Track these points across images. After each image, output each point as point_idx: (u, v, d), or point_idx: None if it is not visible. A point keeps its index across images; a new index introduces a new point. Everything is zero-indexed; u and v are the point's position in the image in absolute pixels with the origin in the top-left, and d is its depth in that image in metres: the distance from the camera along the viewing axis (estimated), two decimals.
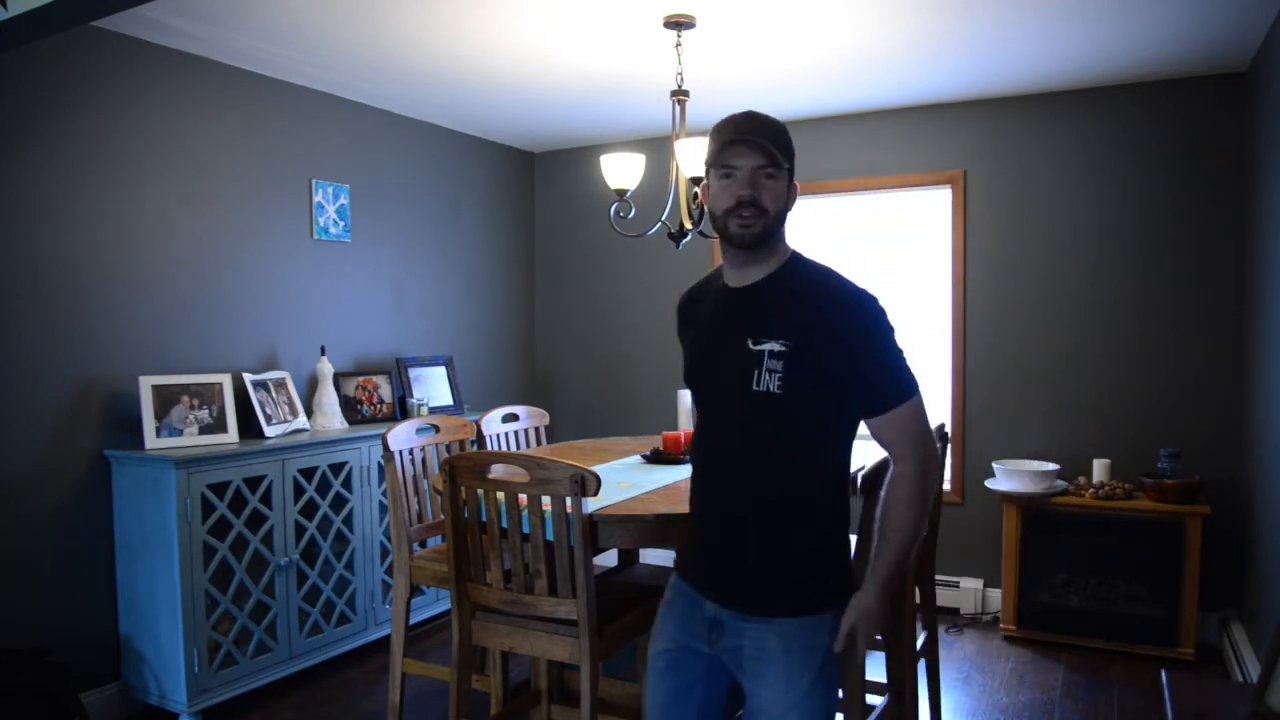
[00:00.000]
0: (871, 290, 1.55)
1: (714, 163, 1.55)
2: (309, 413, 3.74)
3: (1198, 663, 3.58)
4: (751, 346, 1.51)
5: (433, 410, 4.25)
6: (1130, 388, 3.97)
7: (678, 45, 3.13)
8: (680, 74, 3.14)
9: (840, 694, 1.79)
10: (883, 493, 1.59)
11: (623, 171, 3.17)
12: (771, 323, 1.52)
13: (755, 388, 1.50)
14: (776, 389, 1.49)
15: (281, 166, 3.78)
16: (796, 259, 1.60)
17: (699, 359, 1.66)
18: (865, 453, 1.83)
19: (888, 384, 1.53)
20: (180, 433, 3.17)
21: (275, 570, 3.30)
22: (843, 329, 1.50)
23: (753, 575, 1.57)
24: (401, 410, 4.19)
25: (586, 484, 2.13)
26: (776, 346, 1.49)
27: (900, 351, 1.55)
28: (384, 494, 3.73)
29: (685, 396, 3.55)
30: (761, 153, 1.51)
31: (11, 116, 2.88)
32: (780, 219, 1.56)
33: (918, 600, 2.79)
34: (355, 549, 3.65)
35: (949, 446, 3.65)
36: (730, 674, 1.62)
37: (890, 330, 1.53)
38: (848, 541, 1.64)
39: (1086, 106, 4.00)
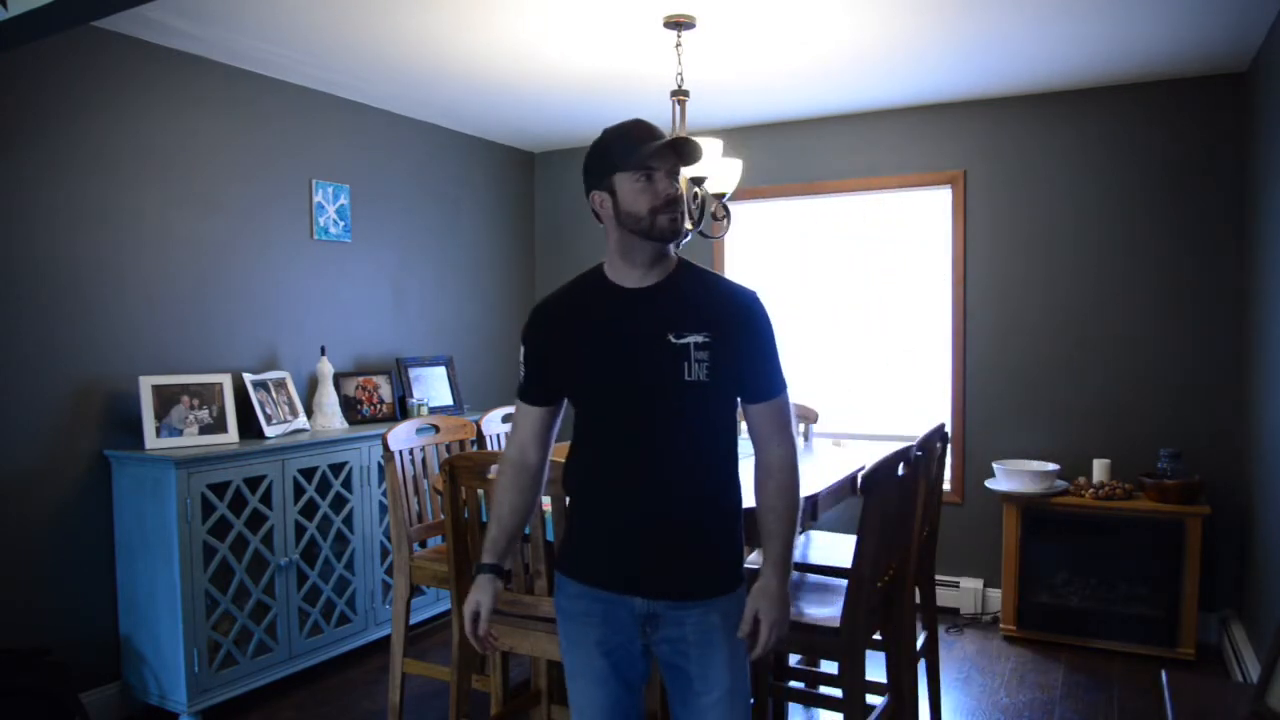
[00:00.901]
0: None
1: (627, 166, 1.60)
2: (309, 413, 3.74)
3: (1198, 663, 3.58)
4: (674, 340, 1.59)
5: (433, 410, 4.25)
6: (1130, 388, 3.97)
7: (678, 45, 3.13)
8: (680, 74, 3.14)
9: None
10: (758, 481, 1.69)
11: None
12: (690, 317, 1.61)
13: (687, 378, 1.59)
14: (705, 377, 1.59)
15: (281, 166, 3.78)
16: (684, 263, 1.71)
17: (604, 359, 1.65)
18: (867, 453, 1.85)
19: (774, 374, 1.68)
20: (180, 433, 3.17)
21: (275, 570, 3.30)
22: (748, 323, 1.64)
23: (697, 562, 1.65)
24: (401, 410, 4.19)
25: None
26: (700, 339, 1.60)
27: (777, 349, 1.71)
28: (384, 494, 3.73)
29: None
30: (675, 155, 1.62)
31: (11, 116, 2.88)
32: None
33: (918, 600, 2.79)
34: (355, 549, 3.65)
35: (949, 446, 3.65)
36: (646, 664, 1.69)
37: (772, 329, 1.70)
38: None
39: (1086, 106, 4.00)
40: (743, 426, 1.76)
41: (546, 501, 2.19)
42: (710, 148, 2.92)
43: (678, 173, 1.64)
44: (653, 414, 1.62)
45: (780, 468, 1.67)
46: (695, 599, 1.63)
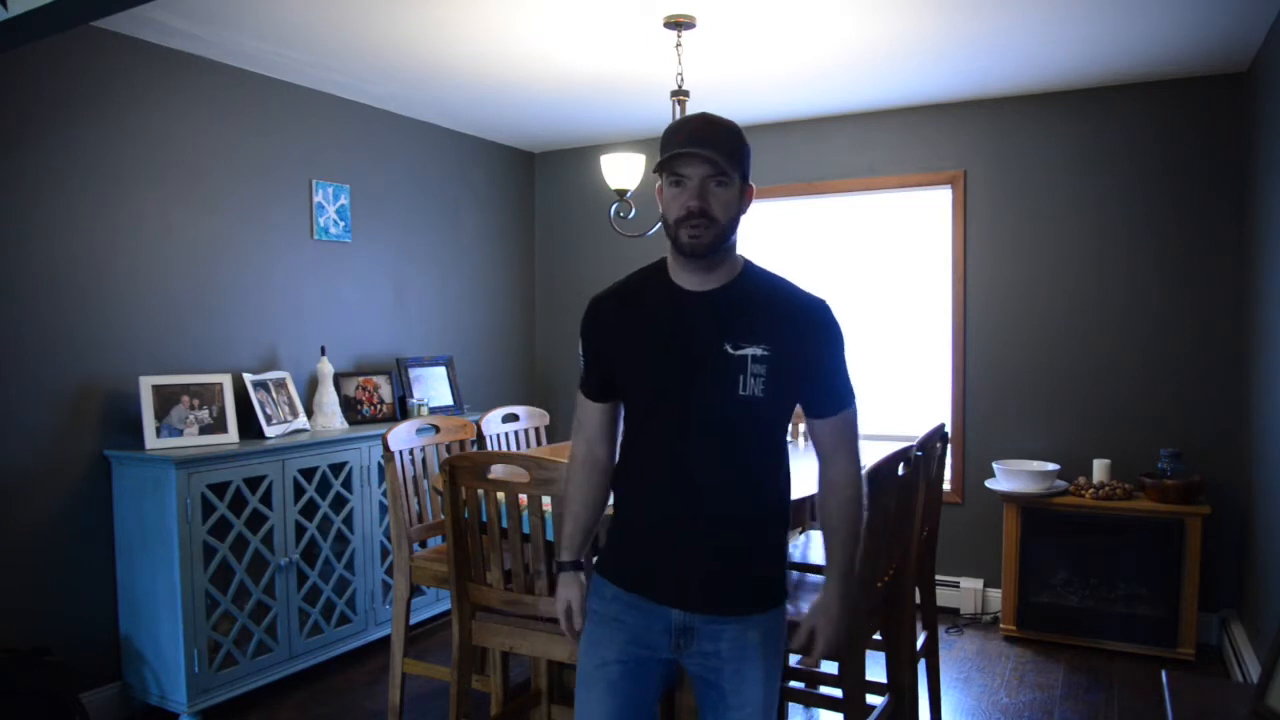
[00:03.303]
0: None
1: (664, 169, 1.52)
2: (309, 413, 3.74)
3: (1198, 663, 3.58)
4: (732, 351, 1.52)
5: (433, 410, 4.25)
6: (1130, 388, 3.97)
7: (678, 45, 3.13)
8: (680, 74, 3.14)
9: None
10: (821, 497, 1.65)
11: (623, 171, 3.17)
12: (750, 328, 1.53)
13: (741, 392, 1.51)
14: (760, 393, 1.52)
15: (281, 166, 3.78)
16: (750, 266, 1.61)
17: (658, 365, 1.58)
18: (867, 453, 1.84)
19: (842, 388, 1.62)
20: (180, 433, 3.17)
21: (275, 570, 3.30)
22: (814, 334, 1.56)
23: (738, 578, 1.59)
24: (401, 410, 4.19)
25: None
26: (759, 351, 1.51)
27: (846, 360, 1.63)
28: (384, 494, 3.73)
29: None
30: (709, 164, 1.48)
31: (12, 117, 2.88)
32: (731, 227, 1.54)
33: (918, 600, 2.79)
34: (355, 549, 3.65)
35: (949, 446, 3.65)
36: (672, 677, 1.68)
37: (842, 339, 1.61)
38: None
39: (1086, 106, 4.00)
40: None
41: (547, 501, 2.19)
42: None
43: (720, 180, 1.49)
44: (703, 425, 1.56)
45: (843, 485, 1.62)
46: (734, 614, 1.58)
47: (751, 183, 1.57)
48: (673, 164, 1.50)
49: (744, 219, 1.59)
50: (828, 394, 1.60)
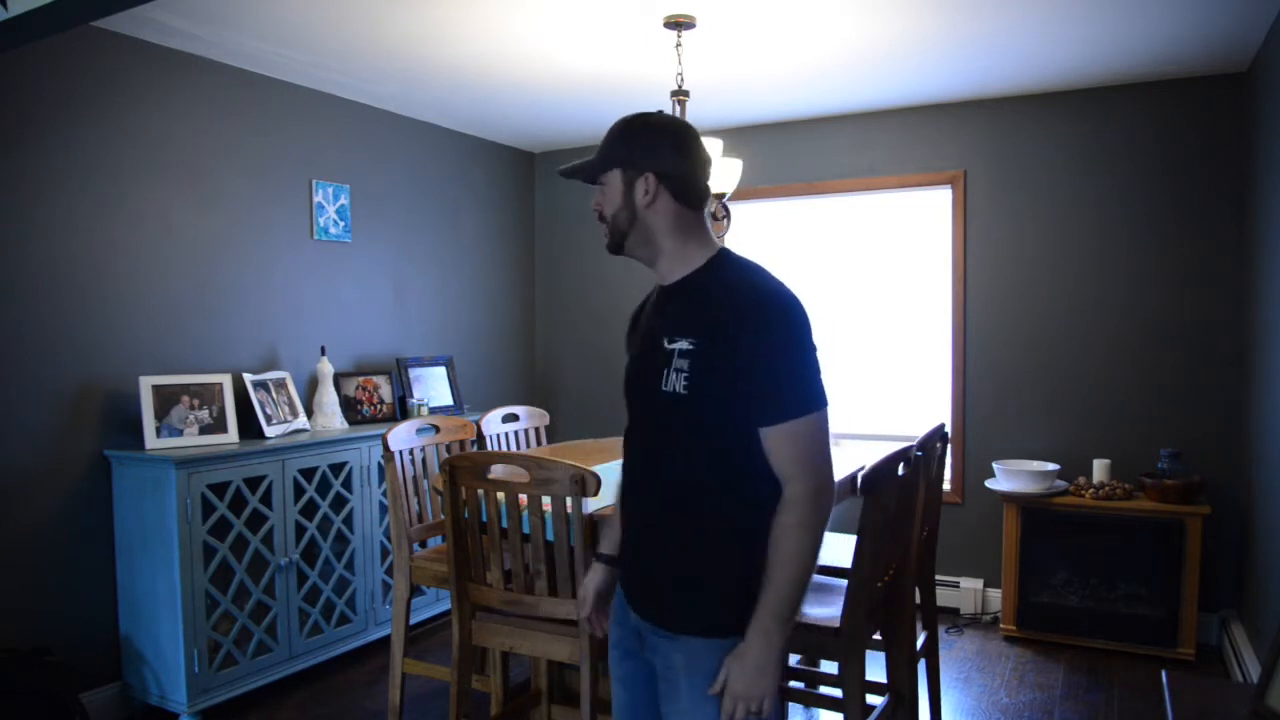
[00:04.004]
0: (792, 294, 1.45)
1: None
2: (309, 413, 3.74)
3: (1198, 663, 3.58)
4: (666, 345, 1.46)
5: (433, 410, 4.25)
6: (1130, 387, 3.97)
7: (678, 45, 3.13)
8: (680, 74, 3.14)
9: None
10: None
11: None
12: (683, 320, 1.45)
13: (664, 388, 1.44)
14: (682, 389, 1.42)
15: (281, 166, 3.78)
16: (723, 256, 1.52)
17: (633, 362, 1.61)
18: (867, 453, 1.82)
19: (779, 394, 1.40)
20: (180, 433, 3.17)
21: (275, 570, 3.30)
22: (743, 329, 1.39)
23: (659, 588, 1.52)
24: (401, 410, 4.19)
25: (586, 484, 2.13)
26: (685, 345, 1.43)
27: (803, 362, 1.42)
28: (384, 494, 3.73)
29: None
30: (581, 175, 1.55)
31: (11, 117, 2.88)
32: (625, 218, 1.52)
33: (918, 600, 2.79)
34: (355, 549, 3.65)
35: (949, 446, 3.64)
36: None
37: (793, 338, 1.41)
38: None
39: (1086, 106, 4.00)
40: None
41: (547, 501, 2.19)
42: (710, 148, 2.91)
43: (597, 185, 1.57)
44: (644, 424, 1.55)
45: (784, 508, 1.40)
46: (664, 629, 1.49)
47: (649, 169, 1.49)
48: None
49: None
50: (764, 399, 1.40)
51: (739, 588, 1.44)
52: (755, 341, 1.39)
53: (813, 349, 1.44)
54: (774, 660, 1.39)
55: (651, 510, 1.53)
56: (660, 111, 1.57)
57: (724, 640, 1.44)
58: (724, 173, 3.18)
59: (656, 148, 1.51)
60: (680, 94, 3.15)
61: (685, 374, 1.42)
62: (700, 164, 1.54)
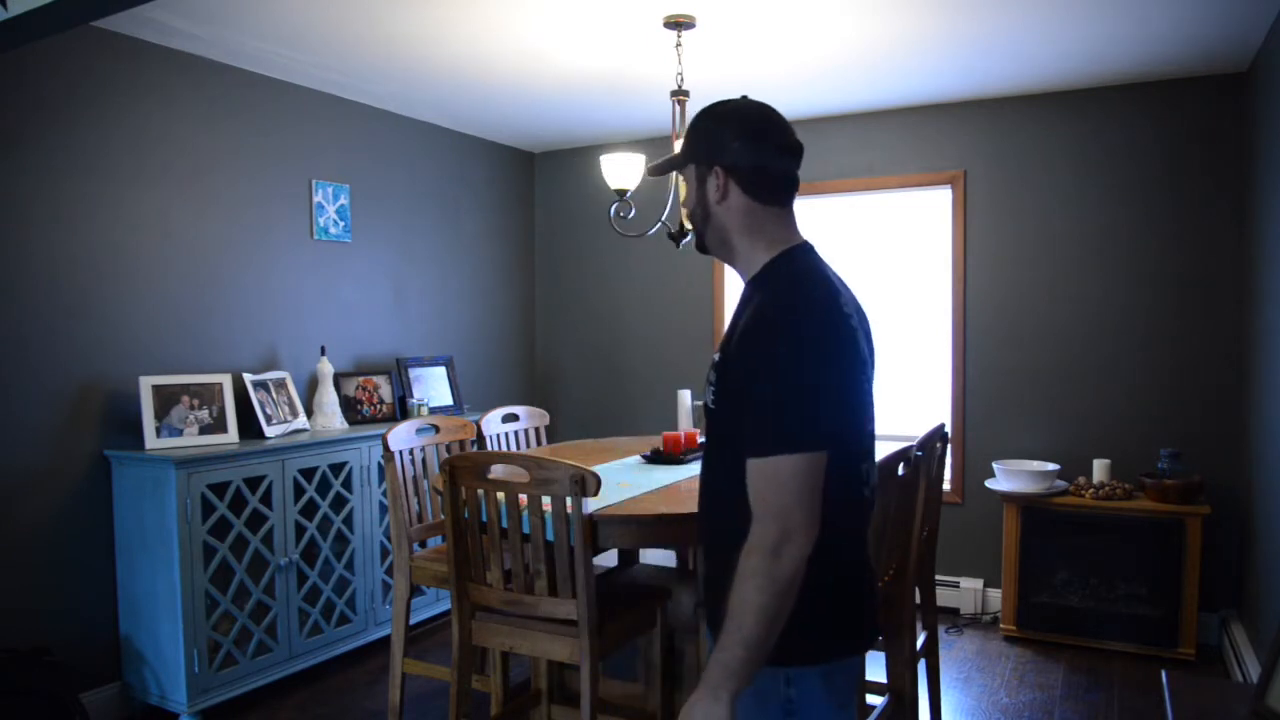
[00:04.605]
0: (810, 319, 1.30)
1: None
2: (309, 413, 3.74)
3: (1198, 663, 3.58)
4: (715, 355, 1.42)
5: (433, 410, 4.25)
6: (1130, 388, 3.97)
7: (678, 45, 3.13)
8: (680, 74, 3.14)
9: None
10: None
11: (623, 171, 3.17)
12: (730, 332, 1.40)
13: (705, 398, 1.43)
14: (712, 403, 1.41)
15: (281, 166, 3.78)
16: (776, 262, 1.42)
17: None
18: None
19: (761, 424, 1.26)
20: (180, 433, 3.17)
21: (275, 570, 3.30)
22: (744, 347, 1.31)
23: (710, 603, 1.46)
24: (401, 410, 4.19)
25: (586, 484, 2.13)
26: (716, 357, 1.40)
27: (797, 395, 1.25)
28: (384, 494, 3.73)
29: (685, 396, 3.54)
30: (671, 168, 1.52)
31: (11, 116, 2.88)
32: (701, 216, 1.45)
33: (918, 600, 2.79)
34: (355, 549, 3.65)
35: (949, 446, 3.65)
36: None
37: (792, 365, 1.25)
38: (826, 585, 1.35)
39: (1086, 106, 4.00)
40: None
41: (547, 501, 2.19)
42: None
43: (689, 180, 1.47)
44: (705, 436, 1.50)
45: (745, 552, 1.25)
46: (715, 637, 1.47)
47: (719, 163, 1.41)
48: None
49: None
50: (751, 426, 1.28)
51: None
52: (751, 363, 1.29)
53: (819, 383, 1.27)
54: (717, 714, 1.24)
55: (700, 524, 1.51)
56: (743, 97, 1.46)
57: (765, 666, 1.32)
58: None
59: (723, 138, 1.40)
60: (680, 94, 3.14)
61: (713, 387, 1.39)
62: (776, 153, 1.42)
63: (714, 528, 1.45)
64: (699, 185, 1.43)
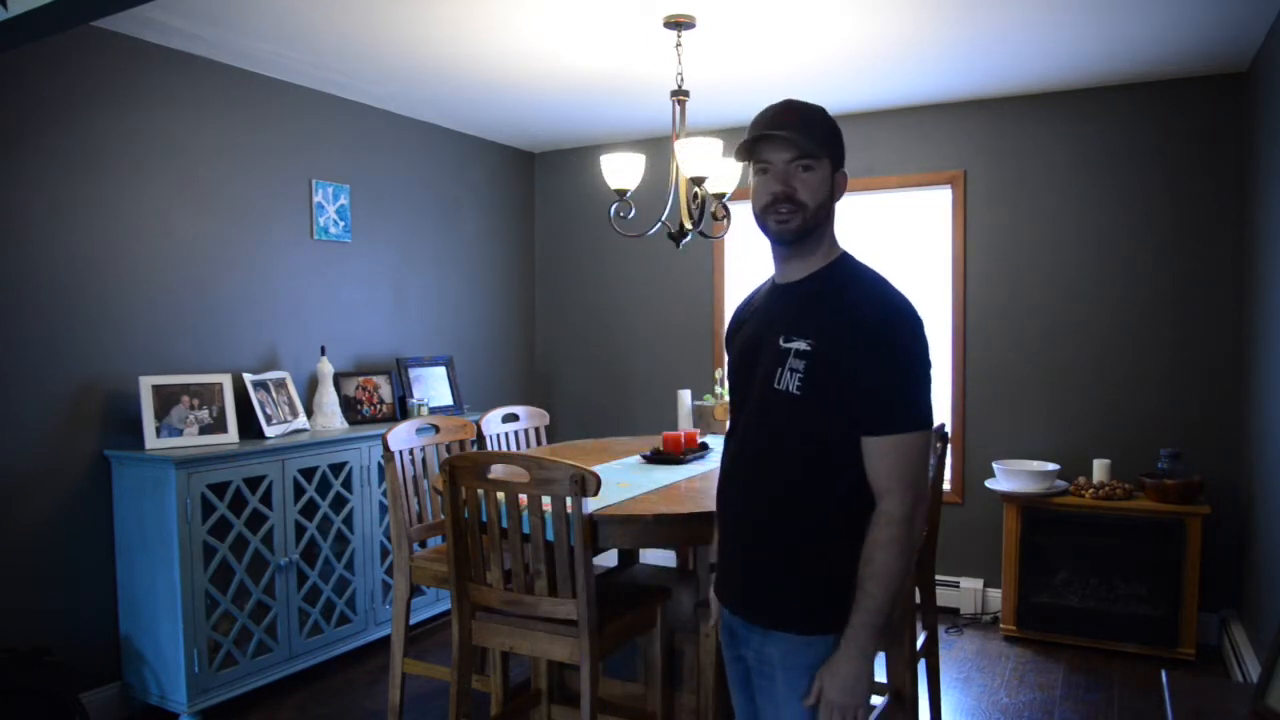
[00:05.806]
0: (917, 313, 1.49)
1: (748, 158, 1.51)
2: (309, 413, 3.74)
3: (1198, 663, 3.58)
4: (782, 344, 1.47)
5: (433, 410, 4.25)
6: (1130, 388, 3.97)
7: (678, 45, 3.13)
8: (680, 74, 3.14)
9: None
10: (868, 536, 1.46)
11: (623, 171, 3.17)
12: (802, 321, 1.46)
13: (776, 386, 1.45)
14: (795, 389, 1.44)
15: (281, 166, 3.78)
16: (844, 259, 1.54)
17: (740, 356, 1.60)
18: None
19: (888, 406, 1.42)
20: (180, 433, 3.17)
21: (275, 570, 3.30)
22: (860, 338, 1.42)
23: (757, 581, 1.52)
24: (401, 410, 4.19)
25: (586, 484, 2.13)
26: (802, 345, 1.44)
27: (916, 379, 1.45)
28: (384, 494, 3.73)
29: (685, 396, 3.54)
30: (793, 146, 1.46)
31: (11, 116, 2.88)
32: (821, 212, 1.50)
33: (918, 600, 2.79)
34: (355, 549, 3.65)
35: (949, 447, 3.65)
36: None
37: (912, 353, 1.45)
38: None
39: (1086, 106, 4.00)
40: None
41: (547, 501, 2.19)
42: (710, 148, 2.91)
43: (805, 165, 1.47)
44: (749, 418, 1.54)
45: (878, 524, 1.42)
46: (757, 623, 1.52)
47: (843, 167, 1.54)
48: (756, 150, 1.49)
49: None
50: (875, 409, 1.42)
51: (827, 587, 1.47)
52: (878, 354, 1.42)
53: (928, 369, 1.48)
54: (867, 671, 1.44)
55: (751, 505, 1.53)
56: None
57: (816, 637, 1.47)
58: (724, 173, 3.18)
59: (842, 144, 1.55)
60: (680, 94, 3.14)
61: (800, 374, 1.43)
62: None
63: (780, 510, 1.49)
64: (829, 180, 1.51)
